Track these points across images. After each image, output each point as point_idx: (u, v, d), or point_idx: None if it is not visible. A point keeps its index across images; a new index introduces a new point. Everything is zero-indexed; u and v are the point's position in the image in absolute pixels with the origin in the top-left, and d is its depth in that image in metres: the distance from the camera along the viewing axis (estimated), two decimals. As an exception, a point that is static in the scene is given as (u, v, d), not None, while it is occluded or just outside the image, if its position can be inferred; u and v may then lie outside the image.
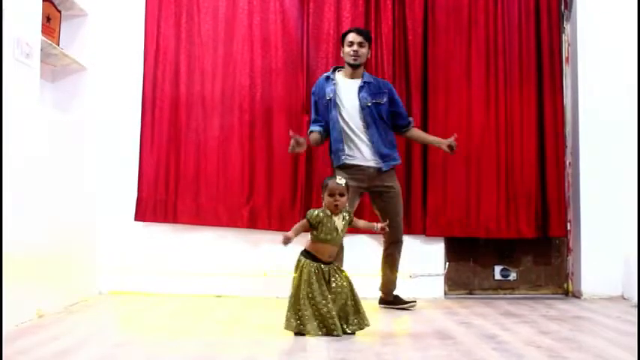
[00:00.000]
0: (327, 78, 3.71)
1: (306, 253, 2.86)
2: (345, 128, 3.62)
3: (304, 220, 2.85)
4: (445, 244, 4.29)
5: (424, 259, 4.17)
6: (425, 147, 4.22)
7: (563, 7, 4.43)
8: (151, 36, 4.23)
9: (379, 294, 3.78)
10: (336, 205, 2.82)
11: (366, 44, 3.67)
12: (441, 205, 4.21)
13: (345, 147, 3.62)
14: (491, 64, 4.30)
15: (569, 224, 4.33)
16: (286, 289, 4.05)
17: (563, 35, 4.43)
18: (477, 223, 4.21)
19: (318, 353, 2.45)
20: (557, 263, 4.38)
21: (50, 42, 3.59)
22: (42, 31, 3.38)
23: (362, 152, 3.62)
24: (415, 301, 3.70)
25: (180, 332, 2.92)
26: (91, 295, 3.95)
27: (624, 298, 4.08)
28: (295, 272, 2.84)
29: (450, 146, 3.64)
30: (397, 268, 3.73)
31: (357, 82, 3.67)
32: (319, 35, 4.26)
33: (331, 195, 2.81)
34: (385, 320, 3.34)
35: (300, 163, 4.16)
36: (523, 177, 4.25)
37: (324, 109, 3.67)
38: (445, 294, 4.26)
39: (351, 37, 3.64)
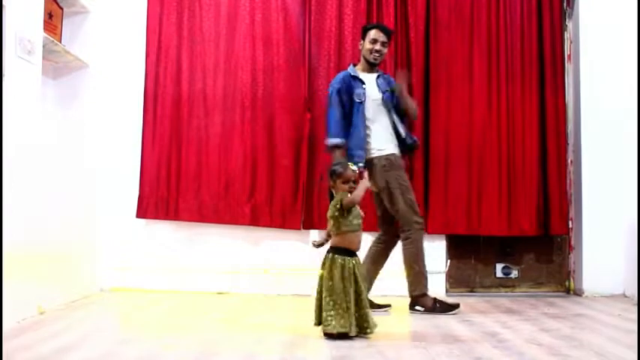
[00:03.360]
0: (355, 77, 3.53)
1: (337, 250, 2.74)
2: (369, 125, 3.52)
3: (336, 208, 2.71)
4: (447, 241, 4.29)
5: (426, 256, 4.16)
6: (427, 144, 4.22)
7: (565, 4, 4.41)
8: (152, 33, 4.23)
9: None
10: (351, 192, 2.77)
11: (387, 44, 3.58)
12: (442, 202, 4.21)
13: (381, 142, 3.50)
14: (493, 61, 4.29)
15: (570, 222, 4.32)
16: (287, 287, 4.12)
17: (566, 33, 4.42)
18: (479, 221, 4.21)
19: (320, 351, 2.45)
20: (558, 261, 4.38)
21: (52, 39, 3.59)
22: (44, 28, 3.39)
23: (392, 142, 3.53)
24: (458, 304, 3.50)
25: (181, 329, 2.92)
26: (93, 292, 3.95)
27: (625, 296, 4.07)
28: (327, 271, 2.69)
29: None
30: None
31: (374, 76, 3.60)
32: (321, 32, 4.25)
33: (346, 182, 2.76)
34: (386, 318, 3.34)
35: (302, 160, 4.16)
36: (525, 175, 4.24)
37: (349, 110, 3.49)
38: (447, 292, 4.26)
39: (376, 34, 3.52)
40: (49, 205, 3.35)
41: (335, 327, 2.61)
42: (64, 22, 3.95)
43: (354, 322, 2.63)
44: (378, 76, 3.61)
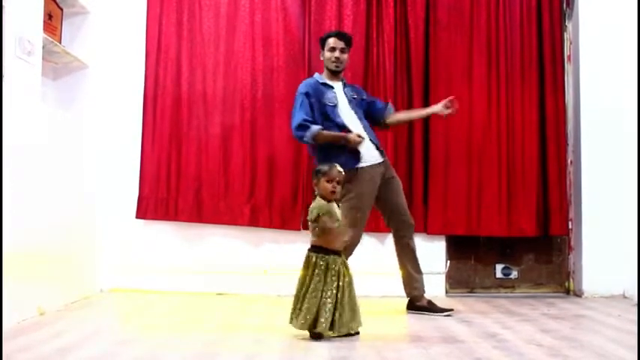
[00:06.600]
0: (324, 84, 3.50)
1: (316, 249, 2.77)
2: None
3: (323, 217, 2.72)
4: (446, 242, 4.29)
5: (425, 257, 4.12)
6: (426, 145, 4.22)
7: (565, 4, 4.42)
8: (152, 33, 4.23)
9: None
10: (333, 192, 2.76)
11: (347, 50, 3.54)
12: (442, 203, 4.21)
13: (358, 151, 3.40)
14: (492, 61, 4.29)
15: (570, 223, 4.33)
16: (287, 287, 4.10)
17: (565, 33, 4.42)
18: (478, 222, 4.21)
19: (320, 351, 2.45)
20: (558, 262, 4.38)
21: (52, 39, 3.59)
22: (44, 29, 3.38)
23: (368, 150, 3.43)
24: (452, 309, 3.42)
25: (180, 330, 2.92)
26: (92, 293, 3.95)
27: (625, 297, 4.07)
28: (306, 270, 2.75)
29: (446, 106, 3.49)
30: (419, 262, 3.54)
31: (340, 83, 3.57)
32: (321, 33, 4.19)
33: (330, 181, 2.75)
34: (386, 319, 3.34)
35: (301, 161, 4.16)
36: (524, 175, 4.24)
37: (320, 115, 3.42)
38: (446, 292, 4.26)
39: (333, 42, 3.50)
40: (49, 205, 3.35)
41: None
42: (64, 22, 3.94)
43: (308, 319, 2.62)
44: (345, 86, 3.58)
